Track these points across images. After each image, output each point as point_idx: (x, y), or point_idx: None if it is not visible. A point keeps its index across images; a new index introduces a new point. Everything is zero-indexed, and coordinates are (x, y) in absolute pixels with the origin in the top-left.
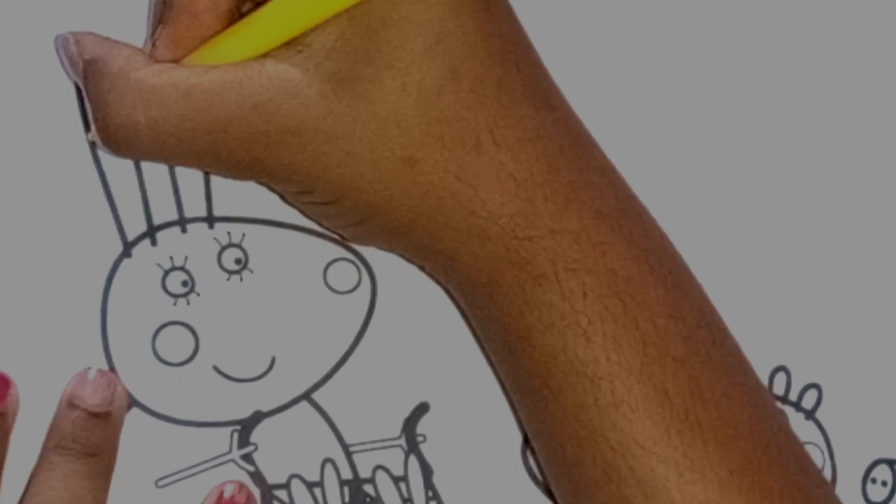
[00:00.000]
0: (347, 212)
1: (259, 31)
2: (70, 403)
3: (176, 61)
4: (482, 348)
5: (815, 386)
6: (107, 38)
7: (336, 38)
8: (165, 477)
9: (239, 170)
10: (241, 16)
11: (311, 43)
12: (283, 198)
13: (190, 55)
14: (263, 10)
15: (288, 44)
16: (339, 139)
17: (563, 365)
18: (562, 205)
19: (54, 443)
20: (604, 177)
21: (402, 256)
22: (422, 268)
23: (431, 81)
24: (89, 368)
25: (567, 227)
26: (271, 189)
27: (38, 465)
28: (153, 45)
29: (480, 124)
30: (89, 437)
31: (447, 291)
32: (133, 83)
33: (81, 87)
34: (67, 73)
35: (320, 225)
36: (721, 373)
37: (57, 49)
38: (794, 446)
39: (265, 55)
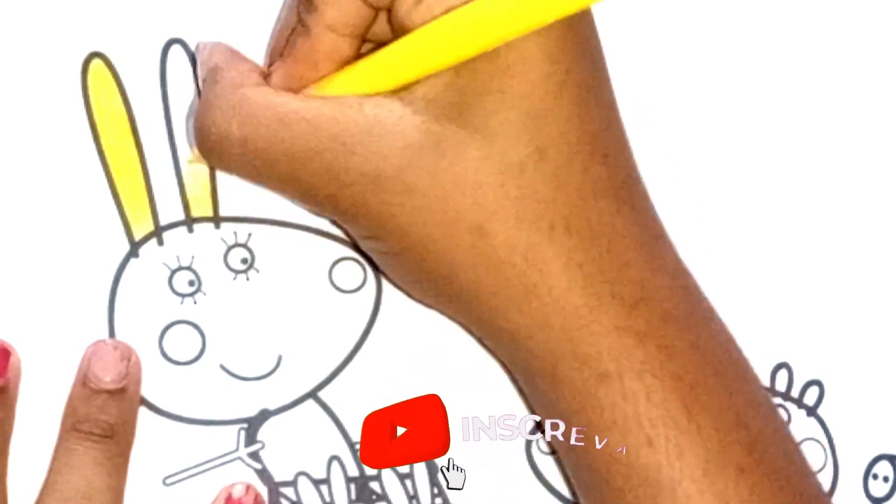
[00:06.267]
0: (410, 268)
1: (373, 72)
2: (84, 383)
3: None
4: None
5: (817, 382)
6: (232, 50)
7: (438, 92)
8: (173, 475)
9: (314, 202)
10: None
11: (415, 91)
12: (355, 245)
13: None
14: (381, 54)
15: (395, 89)
16: (413, 192)
17: (625, 467)
18: (630, 303)
19: (70, 424)
20: (675, 279)
21: (466, 328)
22: (483, 343)
23: (516, 156)
24: (104, 341)
25: (633, 327)
26: (342, 229)
27: (56, 449)
28: (268, 73)
29: (557, 209)
30: (105, 416)
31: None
32: (238, 97)
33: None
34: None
35: (392, 283)
36: (783, 481)
37: (194, 55)
38: None
39: (370, 95)
